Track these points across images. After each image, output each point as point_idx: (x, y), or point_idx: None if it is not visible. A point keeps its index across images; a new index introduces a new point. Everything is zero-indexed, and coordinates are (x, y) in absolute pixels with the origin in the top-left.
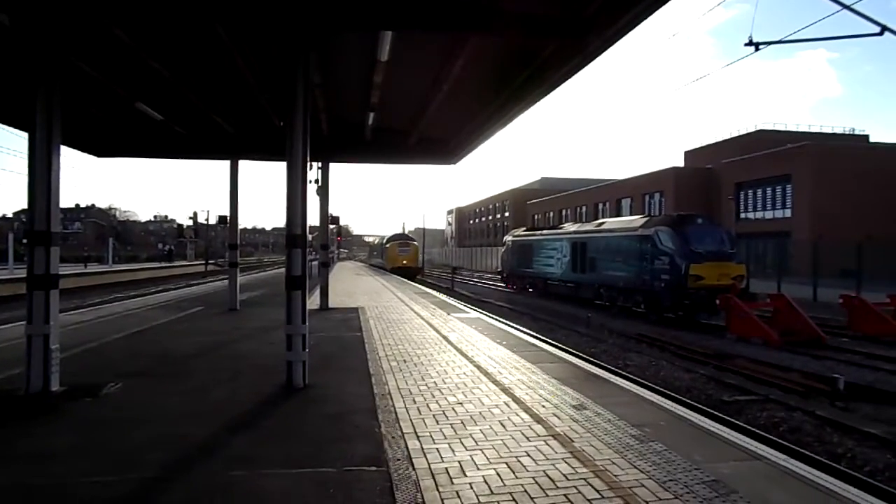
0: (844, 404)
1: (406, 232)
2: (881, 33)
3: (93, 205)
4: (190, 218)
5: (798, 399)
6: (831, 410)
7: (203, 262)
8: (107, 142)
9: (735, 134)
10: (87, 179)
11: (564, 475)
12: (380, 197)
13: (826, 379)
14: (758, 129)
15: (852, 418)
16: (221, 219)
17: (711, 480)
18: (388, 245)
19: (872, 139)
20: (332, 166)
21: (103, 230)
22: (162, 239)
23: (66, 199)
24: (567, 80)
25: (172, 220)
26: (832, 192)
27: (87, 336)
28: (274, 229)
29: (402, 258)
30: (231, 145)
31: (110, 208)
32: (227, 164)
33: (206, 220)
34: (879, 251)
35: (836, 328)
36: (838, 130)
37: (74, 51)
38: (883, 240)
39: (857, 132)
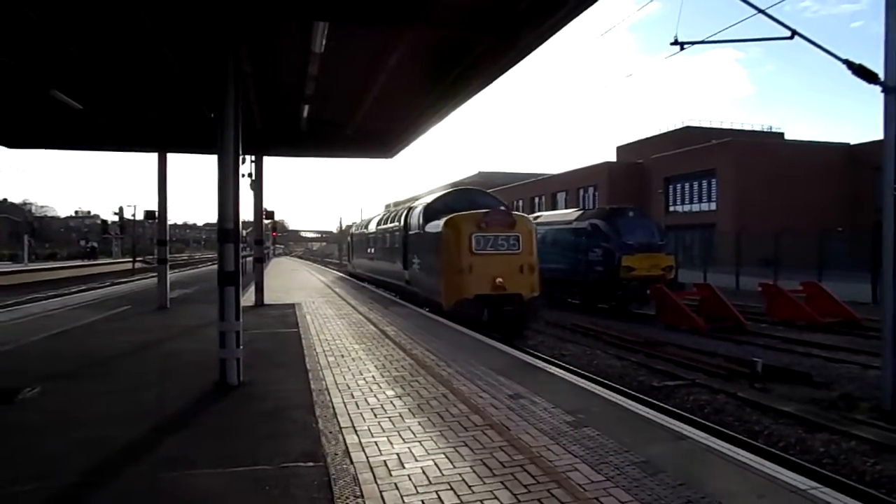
0: (762, 385)
1: (345, 227)
2: (791, 37)
3: (5, 199)
4: (115, 213)
5: (722, 382)
6: (751, 392)
7: (130, 259)
8: (19, 131)
9: (663, 130)
10: None
11: (501, 463)
12: (316, 192)
13: (746, 362)
14: (684, 125)
15: (769, 398)
16: (149, 214)
17: (641, 461)
18: (446, 228)
19: (787, 136)
20: (267, 160)
21: (17, 227)
22: (84, 236)
23: None
24: (502, 74)
25: (96, 216)
26: (753, 186)
27: (0, 339)
28: (206, 224)
29: (497, 268)
30: (159, 137)
31: (25, 203)
32: (154, 156)
33: (133, 215)
34: (795, 241)
35: (756, 314)
36: (756, 127)
37: None
38: (798, 230)
39: (773, 129)
